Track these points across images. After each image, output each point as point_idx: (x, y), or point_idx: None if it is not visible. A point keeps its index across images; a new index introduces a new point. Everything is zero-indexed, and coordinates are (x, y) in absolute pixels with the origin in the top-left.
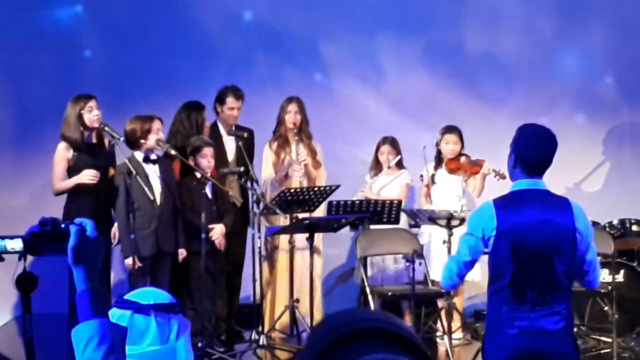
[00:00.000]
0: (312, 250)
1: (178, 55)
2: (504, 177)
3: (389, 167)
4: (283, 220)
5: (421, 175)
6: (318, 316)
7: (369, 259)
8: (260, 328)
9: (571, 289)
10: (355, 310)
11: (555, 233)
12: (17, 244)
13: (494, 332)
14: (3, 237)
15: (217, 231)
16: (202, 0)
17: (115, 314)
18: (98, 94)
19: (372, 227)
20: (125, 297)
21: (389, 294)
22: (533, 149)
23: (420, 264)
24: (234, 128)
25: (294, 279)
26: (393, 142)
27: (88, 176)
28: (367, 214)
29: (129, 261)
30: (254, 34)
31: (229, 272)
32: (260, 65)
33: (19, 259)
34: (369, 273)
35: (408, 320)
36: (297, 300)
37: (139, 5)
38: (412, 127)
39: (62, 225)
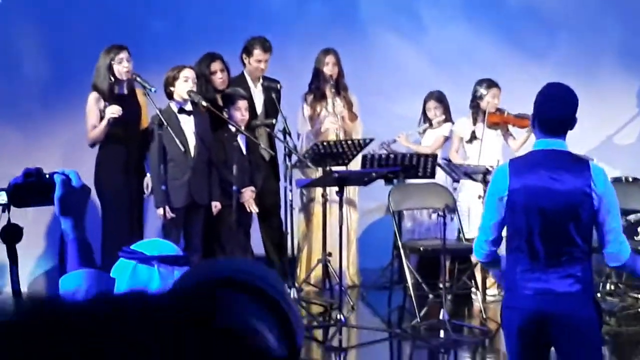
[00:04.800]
0: (343, 203)
1: (216, 5)
2: None
3: (432, 124)
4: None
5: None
6: (352, 270)
7: (406, 213)
8: (293, 282)
9: (590, 253)
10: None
11: (570, 195)
12: (2, 197)
13: (510, 292)
14: None
15: (246, 195)
16: None
17: (120, 264)
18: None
19: (408, 181)
20: (132, 247)
21: (421, 249)
22: (550, 109)
23: (452, 219)
24: (261, 79)
25: (327, 233)
26: (439, 97)
27: (110, 112)
28: (397, 167)
29: (160, 211)
30: None
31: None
32: (297, 17)
33: (3, 211)
34: (408, 226)
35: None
36: (330, 254)
37: None
38: (451, 80)
39: (47, 176)
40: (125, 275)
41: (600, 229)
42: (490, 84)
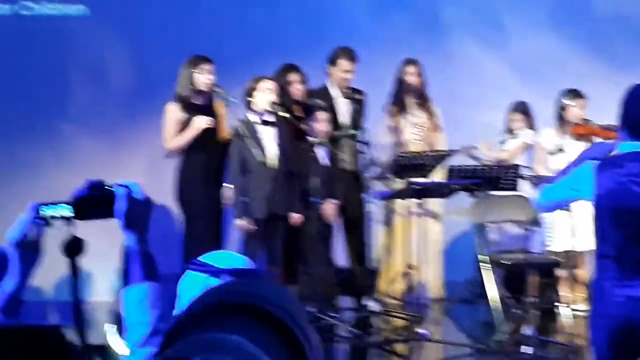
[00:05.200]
0: (424, 215)
1: (296, 15)
2: None
3: (515, 135)
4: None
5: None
6: (437, 283)
7: (491, 225)
8: (374, 294)
9: None
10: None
11: None
12: (67, 210)
13: (598, 299)
14: (49, 204)
15: (328, 208)
16: None
17: (189, 277)
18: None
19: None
20: (201, 259)
21: (502, 262)
22: (636, 110)
23: (536, 232)
24: (346, 90)
25: (409, 245)
26: (523, 108)
27: (200, 123)
28: (478, 180)
29: (240, 223)
30: None
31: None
32: (379, 27)
33: (66, 224)
34: (494, 237)
35: (530, 288)
36: (412, 267)
37: None
38: (536, 89)
39: (109, 188)
40: (195, 288)
41: None
42: (576, 94)
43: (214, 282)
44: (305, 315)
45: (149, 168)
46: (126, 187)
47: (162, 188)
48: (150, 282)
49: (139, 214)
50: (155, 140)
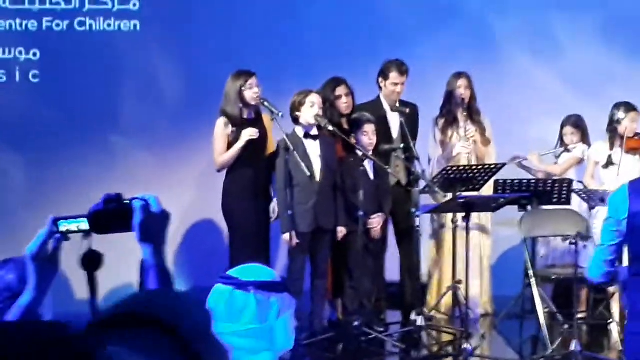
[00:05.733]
0: (470, 229)
1: (347, 29)
2: None
3: (569, 149)
4: None
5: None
6: (485, 298)
7: (540, 239)
8: (423, 309)
9: None
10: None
11: None
12: (84, 224)
13: (633, 318)
14: (68, 218)
15: (374, 222)
16: None
17: (217, 290)
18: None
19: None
20: (228, 272)
21: (553, 277)
22: None
23: (585, 246)
24: (397, 104)
25: (456, 260)
26: (577, 122)
27: (248, 134)
28: (527, 194)
29: (286, 237)
30: (425, 7)
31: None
32: (430, 39)
33: (84, 238)
34: (542, 252)
35: (581, 304)
36: (459, 282)
37: None
38: (589, 102)
39: (127, 202)
40: (222, 301)
41: None
42: (629, 107)
43: (239, 294)
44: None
45: (199, 183)
46: (143, 200)
47: (212, 203)
48: None
49: (155, 227)
50: (205, 155)
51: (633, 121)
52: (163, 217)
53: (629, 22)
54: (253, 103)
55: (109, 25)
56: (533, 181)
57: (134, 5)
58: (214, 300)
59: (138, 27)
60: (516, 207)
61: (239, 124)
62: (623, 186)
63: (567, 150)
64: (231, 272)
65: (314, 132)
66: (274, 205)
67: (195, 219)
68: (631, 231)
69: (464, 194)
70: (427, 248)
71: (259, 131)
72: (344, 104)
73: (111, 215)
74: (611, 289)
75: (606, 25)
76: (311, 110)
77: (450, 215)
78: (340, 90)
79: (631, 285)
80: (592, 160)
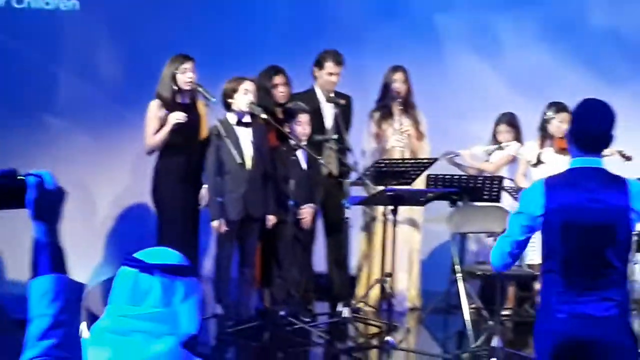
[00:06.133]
0: (404, 223)
1: (293, 17)
2: (629, 159)
3: (502, 147)
4: None
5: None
6: (414, 292)
7: (472, 235)
8: (351, 301)
9: (626, 276)
10: None
11: (608, 214)
12: None
13: (544, 315)
14: None
15: (305, 212)
16: None
17: (122, 272)
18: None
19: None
20: (135, 255)
21: (477, 273)
22: (585, 124)
23: None
24: (332, 94)
25: (385, 253)
26: (511, 120)
27: (175, 117)
28: (455, 189)
29: (215, 224)
30: (371, 2)
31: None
32: (373, 33)
33: None
34: (473, 248)
35: (508, 301)
36: (388, 275)
37: None
38: (527, 102)
39: (20, 178)
40: (127, 284)
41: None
42: (560, 107)
43: (144, 277)
44: None
45: (135, 166)
46: (38, 176)
47: (147, 187)
48: (57, 274)
49: (49, 204)
50: (142, 137)
51: (563, 122)
52: (58, 194)
53: (571, 23)
54: (186, 88)
55: (47, 3)
56: (464, 177)
57: None
58: (118, 283)
59: (77, 7)
60: (445, 202)
61: (171, 108)
62: (539, 181)
63: (500, 147)
64: (137, 255)
65: (247, 119)
66: (204, 192)
67: (129, 202)
68: (546, 228)
69: (394, 187)
70: (358, 240)
71: (190, 116)
72: (280, 93)
73: (3, 191)
74: (536, 287)
75: (548, 25)
76: (244, 97)
77: (381, 209)
78: (278, 79)
79: (544, 282)
80: (523, 159)
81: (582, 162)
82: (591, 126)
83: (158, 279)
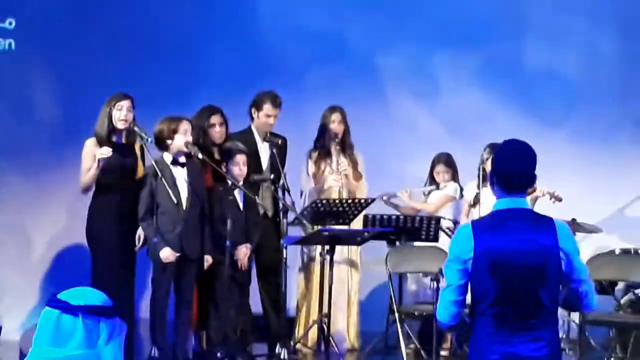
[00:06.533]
0: (332, 263)
1: (234, 57)
2: (560, 200)
3: (439, 187)
4: None
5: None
6: (353, 333)
7: (411, 275)
8: (289, 342)
9: (556, 315)
10: None
11: (537, 254)
12: None
13: (476, 356)
14: None
15: (241, 253)
16: (265, 7)
17: (45, 313)
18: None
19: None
20: (58, 295)
21: (415, 313)
22: (506, 165)
23: None
24: (269, 135)
25: (323, 293)
26: (448, 160)
27: (100, 153)
28: (391, 229)
29: (164, 254)
30: (310, 43)
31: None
32: (313, 73)
33: None
34: (413, 289)
35: (446, 340)
36: (326, 315)
37: (196, 2)
38: (464, 143)
39: None
40: (49, 324)
41: (571, 283)
42: (494, 147)
43: (67, 318)
44: None
45: (72, 206)
46: None
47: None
48: None
49: None
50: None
51: None
52: None
53: (507, 64)
54: (120, 126)
55: None
56: (402, 217)
57: (10, 23)
58: (41, 324)
59: (13, 46)
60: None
61: (107, 146)
62: (466, 225)
63: (437, 187)
64: (61, 295)
65: (182, 159)
66: (140, 233)
67: (66, 243)
68: (475, 271)
69: (332, 227)
70: (296, 281)
71: (126, 156)
72: (217, 132)
73: None
74: None
75: (484, 67)
76: (183, 137)
77: (319, 249)
78: (215, 119)
79: (475, 323)
80: (466, 200)
81: (507, 203)
82: (513, 166)
83: (81, 320)
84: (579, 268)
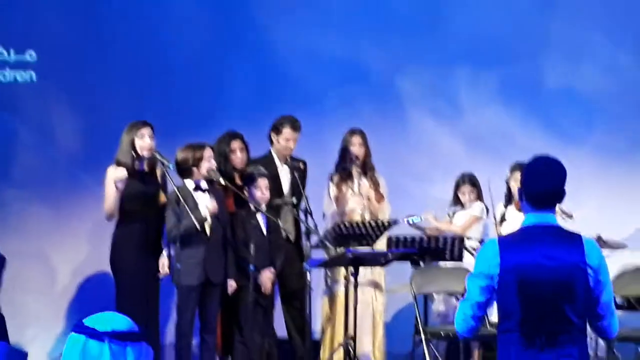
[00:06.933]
0: (357, 285)
1: (252, 83)
2: (570, 216)
3: (464, 207)
4: None
5: (494, 215)
6: (379, 355)
7: (439, 296)
8: None
9: (585, 332)
10: None
11: (564, 270)
12: None
13: None
14: None
15: (265, 277)
16: (282, 32)
17: (71, 339)
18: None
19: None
20: (84, 321)
21: (442, 333)
22: (536, 182)
23: None
24: (289, 159)
25: (348, 315)
26: (472, 180)
27: (115, 175)
28: (414, 249)
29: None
30: (329, 66)
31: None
32: (332, 96)
33: None
34: (441, 309)
35: None
36: (352, 337)
37: (214, 30)
38: (486, 163)
39: None
40: (76, 350)
41: (596, 302)
42: (514, 166)
43: (94, 344)
44: None
45: (95, 235)
46: None
47: (107, 256)
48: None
49: None
50: (101, 208)
51: (517, 181)
52: None
53: (528, 83)
54: (144, 154)
55: (4, 76)
56: (425, 238)
57: (30, 55)
58: (67, 350)
59: (34, 78)
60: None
61: (130, 174)
62: (492, 241)
63: (463, 208)
64: (87, 321)
65: (204, 184)
66: (164, 260)
67: (90, 271)
68: (502, 288)
69: (355, 248)
70: (320, 304)
71: (151, 184)
72: (238, 158)
73: None
74: None
75: (506, 86)
76: (208, 164)
77: (343, 271)
78: (236, 144)
79: (502, 341)
80: (497, 219)
81: (535, 219)
82: (542, 182)
83: (107, 346)
84: (606, 289)
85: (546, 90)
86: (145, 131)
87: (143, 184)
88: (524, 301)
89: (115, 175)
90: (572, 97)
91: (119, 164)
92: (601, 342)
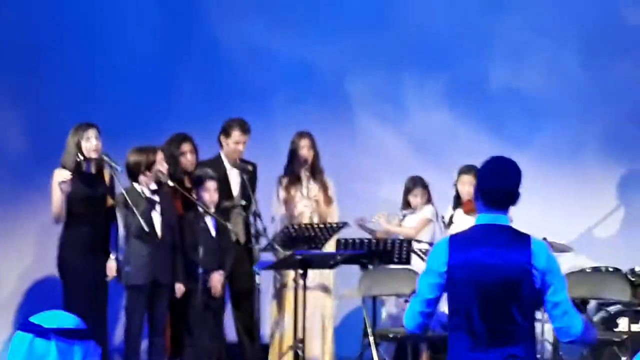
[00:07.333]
0: (306, 286)
1: (201, 86)
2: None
3: (415, 210)
4: None
5: (442, 217)
6: (328, 358)
7: (390, 299)
8: None
9: (532, 331)
10: None
11: (509, 270)
12: None
13: None
14: None
15: (214, 280)
16: (228, 32)
17: (17, 337)
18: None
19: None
20: (30, 319)
21: (390, 335)
22: (491, 180)
23: None
24: (238, 161)
25: (297, 319)
26: (423, 183)
27: (59, 177)
28: (361, 251)
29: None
30: (278, 69)
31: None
32: (280, 99)
33: None
34: (393, 312)
35: None
36: (301, 341)
37: (162, 31)
38: (433, 165)
39: None
40: (22, 349)
41: (546, 304)
42: (461, 170)
43: (40, 342)
44: None
45: (41, 238)
46: None
47: (54, 259)
48: None
49: None
50: (48, 210)
51: (463, 184)
52: None
53: (472, 84)
54: (91, 156)
55: None
56: (374, 240)
57: None
58: (13, 348)
59: None
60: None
61: (76, 177)
62: (444, 239)
63: (414, 211)
64: (33, 319)
65: (153, 187)
66: (112, 263)
67: (37, 276)
68: (451, 285)
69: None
70: (269, 307)
71: (97, 187)
72: (188, 160)
73: None
74: None
75: (450, 88)
76: (159, 167)
77: (292, 275)
78: (186, 147)
79: (451, 338)
80: (445, 222)
81: (487, 219)
82: (497, 181)
83: (54, 344)
84: (556, 290)
85: (491, 92)
86: (91, 133)
87: (89, 186)
88: (470, 298)
89: (61, 176)
90: (517, 99)
91: (64, 166)
92: (547, 344)
